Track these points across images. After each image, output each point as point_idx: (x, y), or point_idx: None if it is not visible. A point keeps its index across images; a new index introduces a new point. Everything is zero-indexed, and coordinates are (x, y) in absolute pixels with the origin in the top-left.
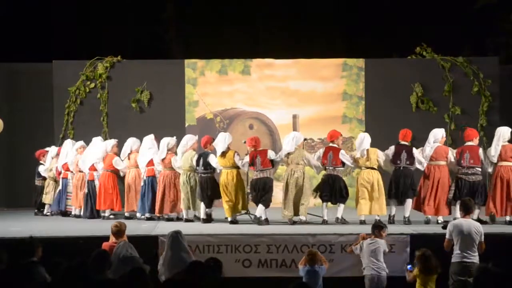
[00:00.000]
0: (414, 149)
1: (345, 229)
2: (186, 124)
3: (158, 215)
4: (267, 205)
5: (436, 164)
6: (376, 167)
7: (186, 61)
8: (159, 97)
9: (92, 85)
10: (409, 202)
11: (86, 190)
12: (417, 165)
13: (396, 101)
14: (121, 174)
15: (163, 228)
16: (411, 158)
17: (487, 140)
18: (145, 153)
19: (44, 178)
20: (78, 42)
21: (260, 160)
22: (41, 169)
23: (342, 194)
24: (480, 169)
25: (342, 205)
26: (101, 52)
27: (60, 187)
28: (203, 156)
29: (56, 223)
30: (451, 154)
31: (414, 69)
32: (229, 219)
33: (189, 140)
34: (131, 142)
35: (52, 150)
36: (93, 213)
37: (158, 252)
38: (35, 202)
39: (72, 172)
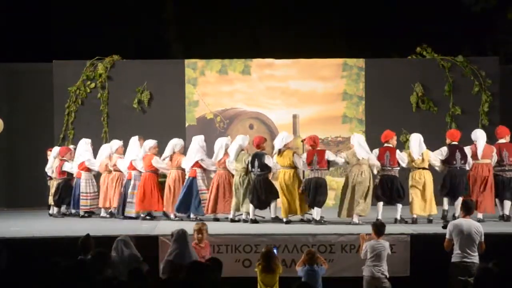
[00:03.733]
0: (465, 148)
1: (345, 229)
2: (186, 124)
3: (210, 214)
4: (321, 206)
5: (484, 163)
6: (427, 167)
7: (186, 61)
8: (159, 97)
9: (93, 85)
10: (460, 201)
11: (123, 190)
12: (467, 166)
13: (396, 101)
14: (163, 173)
15: (163, 228)
16: (465, 157)
17: (488, 141)
18: (191, 155)
19: (51, 178)
20: (78, 42)
21: (317, 160)
22: (46, 168)
23: (400, 195)
24: None
25: (400, 206)
26: (101, 52)
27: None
28: (257, 156)
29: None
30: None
31: (414, 69)
32: (284, 219)
33: (244, 140)
34: (173, 143)
35: (54, 149)
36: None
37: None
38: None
39: (88, 171)
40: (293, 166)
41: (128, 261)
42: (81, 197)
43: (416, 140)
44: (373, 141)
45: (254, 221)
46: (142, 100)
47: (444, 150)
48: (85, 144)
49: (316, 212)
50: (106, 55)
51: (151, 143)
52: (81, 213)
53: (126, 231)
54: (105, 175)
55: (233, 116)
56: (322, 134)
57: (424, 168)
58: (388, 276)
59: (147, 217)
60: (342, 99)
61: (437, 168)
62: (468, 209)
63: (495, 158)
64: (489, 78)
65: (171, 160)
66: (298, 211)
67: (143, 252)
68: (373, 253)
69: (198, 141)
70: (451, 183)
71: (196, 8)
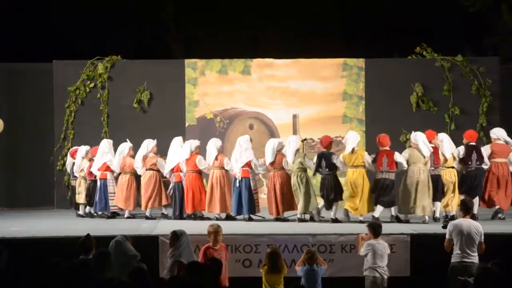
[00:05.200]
0: (482, 149)
1: (345, 229)
2: (186, 124)
3: (274, 215)
4: (385, 206)
5: (503, 162)
6: (454, 166)
7: (186, 61)
8: (160, 97)
9: (92, 85)
10: (477, 200)
11: (172, 192)
12: (483, 166)
13: (396, 101)
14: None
15: (163, 228)
16: (481, 158)
17: (487, 140)
18: (242, 155)
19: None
20: (78, 42)
21: (388, 161)
22: (74, 168)
23: (442, 193)
24: None
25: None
26: (101, 52)
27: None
28: (324, 156)
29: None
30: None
31: (414, 69)
32: (361, 218)
33: (297, 141)
34: (214, 143)
35: (81, 149)
36: (182, 214)
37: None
38: (74, 202)
39: (112, 172)
40: (364, 165)
41: (124, 260)
42: (110, 198)
43: (447, 139)
44: (373, 142)
45: (335, 221)
46: (142, 100)
47: (461, 149)
48: (108, 145)
49: (377, 210)
50: (106, 55)
51: (196, 142)
52: (108, 214)
53: (126, 231)
54: (130, 175)
55: (233, 116)
56: (322, 134)
57: (452, 167)
58: (388, 275)
59: (192, 217)
60: (342, 99)
61: (455, 166)
62: (467, 209)
63: (510, 158)
64: (489, 78)
65: (216, 159)
66: (365, 210)
67: (143, 252)
68: (375, 253)
69: (244, 141)
70: (468, 183)
71: (196, 8)
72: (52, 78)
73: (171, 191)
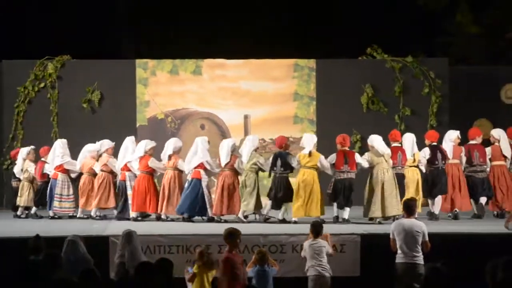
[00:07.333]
0: (444, 148)
1: (296, 229)
2: (137, 124)
3: (215, 215)
4: (351, 206)
5: (454, 163)
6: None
7: (137, 61)
8: (110, 97)
9: (42, 84)
10: (440, 199)
11: (116, 191)
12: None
13: (347, 102)
14: (157, 174)
15: (114, 228)
16: (445, 157)
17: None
18: (196, 155)
19: (20, 179)
20: (27, 41)
21: (349, 161)
22: (15, 170)
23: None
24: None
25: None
26: (51, 52)
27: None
28: (280, 156)
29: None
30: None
31: (365, 69)
32: (295, 219)
33: (255, 141)
34: (173, 143)
35: (22, 150)
36: (126, 214)
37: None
38: (13, 204)
39: (65, 173)
40: (317, 168)
41: (78, 263)
42: (55, 199)
43: (409, 139)
44: (325, 142)
45: (267, 220)
46: (92, 100)
47: (426, 151)
48: (62, 145)
49: (346, 212)
50: (56, 54)
51: (151, 143)
52: (51, 214)
53: (76, 232)
54: (87, 176)
55: (185, 116)
56: (273, 134)
57: (416, 166)
58: (331, 274)
59: (139, 218)
60: (293, 99)
61: (422, 168)
62: (410, 210)
63: (463, 159)
64: (438, 79)
65: (169, 160)
66: (319, 212)
67: (94, 252)
68: (313, 253)
69: (201, 142)
70: (432, 182)
71: (148, 8)
72: (1, 78)
73: (118, 189)
